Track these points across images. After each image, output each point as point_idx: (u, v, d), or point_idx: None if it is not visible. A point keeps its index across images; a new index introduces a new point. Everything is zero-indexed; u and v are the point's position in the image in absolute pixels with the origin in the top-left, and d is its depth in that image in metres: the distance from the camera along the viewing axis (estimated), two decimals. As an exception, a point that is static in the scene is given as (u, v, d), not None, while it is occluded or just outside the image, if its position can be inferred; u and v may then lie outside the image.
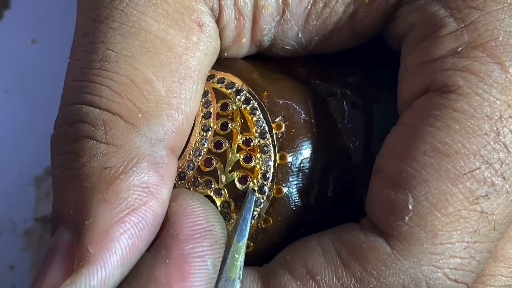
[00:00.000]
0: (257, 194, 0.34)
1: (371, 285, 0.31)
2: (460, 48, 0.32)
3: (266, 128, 0.35)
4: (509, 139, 0.32)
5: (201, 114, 0.35)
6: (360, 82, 0.37)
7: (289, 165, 0.35)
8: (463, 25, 0.33)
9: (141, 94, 0.32)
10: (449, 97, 0.32)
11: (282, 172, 0.35)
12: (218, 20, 0.35)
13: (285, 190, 0.35)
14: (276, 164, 0.35)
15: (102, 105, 0.32)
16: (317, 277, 0.32)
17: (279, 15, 0.35)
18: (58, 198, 0.32)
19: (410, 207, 0.31)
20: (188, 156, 0.35)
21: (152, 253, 0.31)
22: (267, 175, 0.34)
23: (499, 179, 0.31)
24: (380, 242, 0.32)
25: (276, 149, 0.35)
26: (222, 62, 0.37)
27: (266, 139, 0.35)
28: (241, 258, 0.32)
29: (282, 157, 0.35)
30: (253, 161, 0.34)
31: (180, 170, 0.35)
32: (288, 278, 0.32)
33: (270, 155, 0.35)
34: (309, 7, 0.35)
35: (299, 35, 0.36)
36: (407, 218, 0.31)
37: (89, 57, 0.32)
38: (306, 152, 0.35)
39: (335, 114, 0.36)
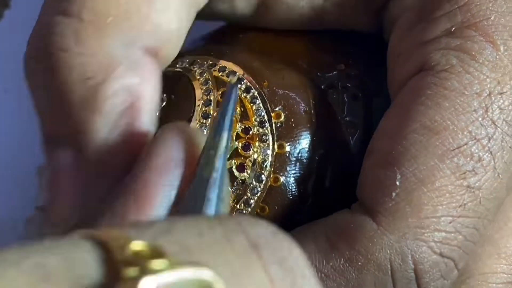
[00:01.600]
0: (254, 182, 0.34)
1: (359, 263, 0.32)
2: (453, 28, 0.33)
3: (266, 117, 0.35)
4: (497, 115, 0.32)
5: (202, 101, 0.35)
6: (361, 76, 0.37)
7: (287, 155, 0.35)
8: (456, 6, 0.33)
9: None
10: (441, 76, 0.33)
11: (280, 161, 0.35)
12: None
13: (282, 179, 0.35)
14: (274, 153, 0.35)
15: (73, 12, 0.32)
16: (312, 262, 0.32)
17: None
18: (47, 119, 0.33)
19: (398, 183, 0.32)
20: None
21: (121, 182, 0.31)
22: (265, 164, 0.35)
23: (486, 154, 0.32)
24: (366, 220, 0.32)
25: (275, 138, 0.35)
26: (224, 52, 0.37)
27: (265, 128, 0.35)
28: (219, 153, 0.29)
29: (281, 146, 0.35)
30: (251, 149, 0.35)
31: None
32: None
33: (268, 144, 0.35)
34: None
35: None
36: (394, 194, 0.32)
37: None
38: (304, 142, 0.35)
39: (335, 106, 0.36)
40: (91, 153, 0.31)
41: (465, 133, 0.32)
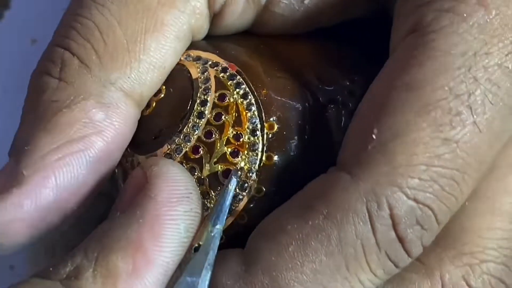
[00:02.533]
0: (237, 189, 0.34)
1: (338, 216, 0.32)
2: None
3: (258, 126, 0.35)
4: (481, 74, 0.32)
5: (198, 100, 0.35)
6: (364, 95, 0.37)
7: (274, 167, 0.35)
8: None
9: (101, 38, 0.34)
10: (429, 37, 0.33)
11: (266, 172, 0.35)
12: None
13: (265, 190, 0.35)
14: (262, 163, 0.35)
15: (65, 45, 0.34)
16: (288, 227, 0.32)
17: None
18: (17, 131, 0.35)
19: (374, 136, 0.32)
20: (178, 140, 0.35)
21: (127, 213, 0.32)
22: (251, 173, 0.34)
23: (466, 109, 0.32)
24: (340, 174, 0.32)
25: (265, 148, 0.35)
26: (229, 52, 0.37)
27: (256, 137, 0.35)
28: (213, 246, 0.33)
29: (269, 158, 0.35)
30: (239, 156, 0.34)
31: (167, 152, 0.35)
32: (261, 238, 0.33)
33: (257, 154, 0.35)
34: None
35: None
36: (369, 146, 0.32)
37: (73, 7, 0.36)
38: (293, 156, 0.35)
39: (332, 123, 0.36)
40: (24, 165, 0.32)
41: (445, 89, 0.32)
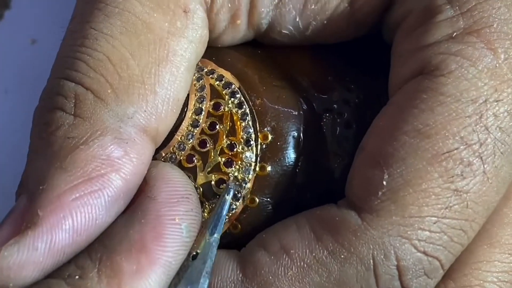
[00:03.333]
0: (230, 199, 0.34)
1: (342, 256, 0.32)
2: (455, 33, 0.33)
3: (253, 136, 0.35)
4: (491, 122, 0.32)
5: (193, 109, 0.35)
6: (360, 105, 0.37)
7: (268, 177, 0.35)
8: (459, 12, 0.33)
9: (115, 71, 0.33)
10: (438, 80, 0.33)
11: (259, 182, 0.35)
12: (211, 5, 0.35)
13: (258, 200, 0.35)
14: (256, 174, 0.35)
15: (77, 79, 0.33)
16: (291, 251, 0.32)
17: None
18: (26, 168, 0.33)
19: (385, 183, 0.32)
20: (172, 148, 0.35)
21: (128, 214, 0.32)
22: (244, 183, 0.34)
23: (477, 159, 0.32)
24: (351, 214, 0.32)
25: (258, 159, 0.35)
26: (225, 59, 0.37)
27: (250, 147, 0.35)
28: (210, 254, 0.33)
29: (262, 168, 0.35)
30: (233, 166, 0.34)
31: (162, 159, 0.35)
32: (262, 253, 0.33)
33: (250, 164, 0.34)
34: None
35: (297, 19, 0.36)
36: (380, 193, 0.32)
37: (74, 35, 0.34)
38: (287, 167, 0.35)
39: (327, 132, 0.36)
40: (38, 204, 0.31)
41: (456, 138, 0.32)
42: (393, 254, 0.32)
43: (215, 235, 0.33)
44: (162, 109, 0.33)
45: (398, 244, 0.32)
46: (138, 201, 0.32)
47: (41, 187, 0.31)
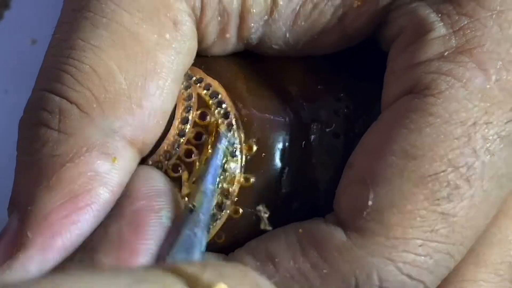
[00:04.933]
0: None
1: (324, 271, 0.32)
2: (446, 52, 0.33)
3: (238, 147, 0.34)
4: (480, 144, 0.32)
5: (180, 118, 0.35)
6: (349, 115, 0.36)
7: (251, 188, 0.35)
8: (452, 31, 0.33)
9: (101, 84, 0.32)
10: (428, 100, 0.32)
11: (243, 193, 0.35)
12: (201, 17, 0.35)
13: (241, 211, 0.35)
14: (240, 185, 0.34)
15: (62, 92, 0.32)
16: (276, 259, 0.32)
17: (267, 15, 0.35)
18: (14, 184, 0.33)
19: (370, 202, 0.32)
20: (159, 157, 0.35)
21: (108, 216, 0.32)
22: (228, 194, 0.34)
23: (464, 182, 0.32)
24: (338, 230, 0.32)
25: (242, 170, 0.34)
26: (215, 67, 0.36)
27: (234, 158, 0.34)
28: (206, 205, 0.32)
29: (246, 179, 0.35)
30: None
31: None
32: (250, 258, 0.33)
33: (235, 175, 0.34)
34: (297, 8, 0.35)
35: (287, 35, 0.36)
36: (365, 212, 0.32)
37: (61, 45, 0.33)
38: (271, 178, 0.35)
39: (314, 143, 0.36)
40: (29, 226, 0.31)
41: (444, 160, 0.32)
42: (376, 275, 0.32)
43: (210, 186, 0.33)
44: (148, 122, 0.33)
45: (381, 265, 0.32)
46: (116, 201, 0.32)
47: (29, 208, 0.31)
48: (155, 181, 0.33)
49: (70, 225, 0.31)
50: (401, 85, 0.34)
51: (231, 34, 0.36)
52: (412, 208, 0.32)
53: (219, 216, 0.35)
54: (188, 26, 0.34)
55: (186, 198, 0.33)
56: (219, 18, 0.35)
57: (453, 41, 0.33)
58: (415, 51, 0.34)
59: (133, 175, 0.33)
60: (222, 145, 0.34)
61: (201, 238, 0.32)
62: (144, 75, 0.33)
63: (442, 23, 0.33)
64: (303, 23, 0.36)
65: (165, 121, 0.34)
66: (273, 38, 0.36)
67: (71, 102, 0.32)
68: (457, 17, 0.33)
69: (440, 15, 0.33)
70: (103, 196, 0.32)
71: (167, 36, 0.34)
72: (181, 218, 0.32)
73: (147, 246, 0.31)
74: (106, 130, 0.32)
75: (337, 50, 0.37)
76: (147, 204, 0.32)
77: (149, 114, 0.33)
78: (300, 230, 0.33)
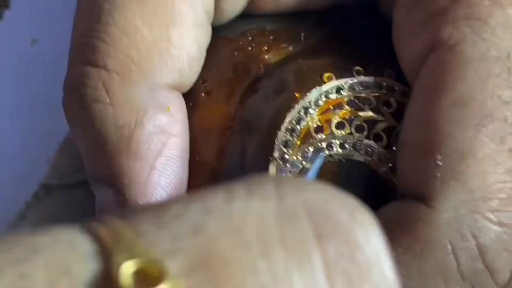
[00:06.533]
0: None
1: (418, 249, 0.31)
2: None
3: None
4: None
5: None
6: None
7: None
8: None
9: (132, 43, 0.33)
10: (457, 49, 0.32)
11: None
12: None
13: None
14: None
15: (99, 61, 0.33)
16: None
17: None
18: (87, 163, 0.35)
19: (440, 163, 0.31)
20: None
21: None
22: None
23: None
24: (417, 204, 0.31)
25: None
26: None
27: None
28: None
29: None
30: None
31: None
32: None
33: None
34: None
35: None
36: (439, 174, 0.31)
37: (88, 11, 0.34)
38: None
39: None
40: (132, 195, 0.33)
41: (494, 98, 0.31)
42: (470, 233, 0.31)
43: None
44: (180, 66, 0.34)
45: (471, 222, 0.31)
46: None
47: (125, 181, 0.33)
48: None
49: (165, 178, 0.33)
50: (420, 43, 0.33)
51: None
52: (482, 154, 0.31)
53: None
54: None
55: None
56: None
57: None
58: (426, 5, 0.33)
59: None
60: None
61: None
62: (166, 24, 0.34)
63: None
64: None
65: (195, 64, 0.35)
66: None
67: (109, 71, 0.33)
68: None
69: None
70: (176, 144, 0.34)
71: None
72: None
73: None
74: (149, 85, 0.34)
75: (335, 2, 0.38)
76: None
77: (178, 59, 0.34)
78: (380, 220, 0.32)
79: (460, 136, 0.31)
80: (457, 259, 0.31)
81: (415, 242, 0.31)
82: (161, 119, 0.34)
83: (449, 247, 0.31)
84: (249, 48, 0.37)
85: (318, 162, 0.34)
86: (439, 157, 0.31)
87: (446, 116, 0.32)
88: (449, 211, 0.31)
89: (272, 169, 0.34)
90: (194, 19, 0.35)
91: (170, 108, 0.34)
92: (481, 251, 0.31)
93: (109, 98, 0.33)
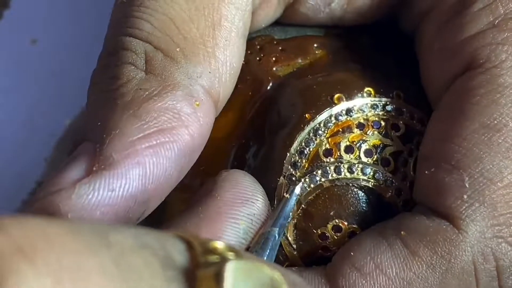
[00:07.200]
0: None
1: (443, 268, 0.32)
2: (497, 21, 0.33)
3: None
4: None
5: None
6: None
7: None
8: None
9: (179, 32, 0.33)
10: (492, 72, 0.32)
11: None
12: None
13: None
14: None
15: (144, 37, 0.33)
16: (388, 271, 0.32)
17: None
18: (87, 118, 0.33)
19: (467, 185, 0.32)
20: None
21: (188, 208, 0.31)
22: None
23: None
24: (445, 224, 0.32)
25: None
26: None
27: None
28: (263, 246, 0.32)
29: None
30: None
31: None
32: (356, 275, 0.32)
33: None
34: None
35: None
36: (465, 196, 0.32)
37: None
38: None
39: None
40: (110, 148, 0.30)
41: None
42: (492, 255, 0.32)
43: (272, 228, 0.32)
44: (222, 73, 0.34)
45: (495, 245, 0.32)
46: (201, 197, 0.32)
47: (113, 132, 0.31)
48: (245, 189, 0.32)
49: (153, 156, 0.31)
50: (454, 63, 0.33)
51: None
52: (509, 180, 0.32)
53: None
54: None
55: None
56: None
57: (500, 8, 0.33)
58: (462, 26, 0.33)
59: (225, 177, 0.32)
60: (290, 194, 0.34)
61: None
62: (213, 26, 0.34)
63: None
64: None
65: (235, 75, 0.34)
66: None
67: (154, 47, 0.33)
68: None
69: None
70: (184, 137, 0.31)
71: None
72: (256, 242, 0.32)
73: None
74: (190, 73, 0.33)
75: (367, 19, 0.37)
76: (230, 210, 0.31)
77: (222, 64, 0.34)
78: (403, 233, 0.32)
79: (488, 160, 0.32)
80: (477, 279, 0.32)
81: (441, 261, 0.32)
82: (184, 106, 0.32)
83: (473, 268, 0.32)
84: (258, 59, 0.37)
85: (297, 192, 0.34)
86: (466, 178, 0.32)
87: (476, 138, 0.32)
88: (475, 234, 0.32)
89: (279, 189, 0.34)
90: (237, 29, 0.34)
91: (199, 105, 0.32)
92: (499, 272, 0.32)
93: (146, 66, 0.33)
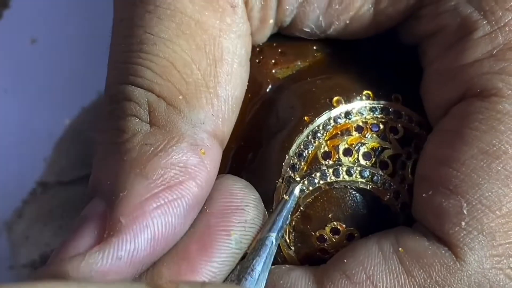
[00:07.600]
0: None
1: None
2: (495, 51, 0.33)
3: None
4: None
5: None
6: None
7: None
8: (496, 27, 0.33)
9: (181, 77, 0.32)
10: (490, 100, 0.32)
11: None
12: (245, 2, 0.35)
13: None
14: None
15: (145, 86, 0.32)
16: (378, 284, 0.32)
17: None
18: (96, 171, 0.32)
19: (465, 211, 0.31)
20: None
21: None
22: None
23: None
24: (443, 249, 0.32)
25: None
26: None
27: None
28: (261, 252, 0.32)
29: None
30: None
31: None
32: (346, 283, 0.32)
33: None
34: None
35: (320, 18, 0.36)
36: (463, 223, 0.31)
37: (128, 40, 0.33)
38: None
39: None
40: (119, 212, 0.30)
41: None
42: (488, 286, 0.31)
43: (270, 233, 0.32)
44: (225, 110, 0.33)
45: (493, 277, 0.31)
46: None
47: (121, 194, 0.30)
48: (235, 196, 0.32)
49: (162, 215, 0.30)
50: (453, 89, 0.33)
51: (271, 16, 0.36)
52: (508, 209, 0.31)
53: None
54: (242, 8, 0.34)
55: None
56: (262, 2, 0.35)
57: (500, 38, 0.33)
58: (462, 52, 0.33)
59: (215, 186, 0.32)
60: (290, 196, 0.34)
61: (245, 284, 0.31)
62: (214, 63, 0.33)
63: (486, 21, 0.33)
64: (337, 6, 0.35)
65: (238, 107, 0.34)
66: (305, 21, 0.36)
67: (157, 95, 0.32)
68: (500, 13, 0.33)
69: (482, 12, 0.33)
70: (192, 190, 0.31)
71: (228, 20, 0.34)
72: (253, 248, 0.32)
73: (209, 267, 0.30)
74: (193, 121, 0.32)
75: (365, 36, 0.37)
76: (219, 222, 0.31)
77: (224, 101, 0.33)
78: (401, 250, 0.32)
79: (487, 187, 0.31)
80: None
81: (435, 286, 0.31)
82: (190, 158, 0.31)
83: None
84: (257, 61, 0.36)
85: (296, 194, 0.34)
86: (464, 205, 0.31)
87: (474, 164, 0.32)
88: (473, 264, 0.31)
89: (277, 191, 0.34)
90: (239, 58, 0.34)
91: (205, 153, 0.32)
92: None
93: (150, 117, 0.32)
